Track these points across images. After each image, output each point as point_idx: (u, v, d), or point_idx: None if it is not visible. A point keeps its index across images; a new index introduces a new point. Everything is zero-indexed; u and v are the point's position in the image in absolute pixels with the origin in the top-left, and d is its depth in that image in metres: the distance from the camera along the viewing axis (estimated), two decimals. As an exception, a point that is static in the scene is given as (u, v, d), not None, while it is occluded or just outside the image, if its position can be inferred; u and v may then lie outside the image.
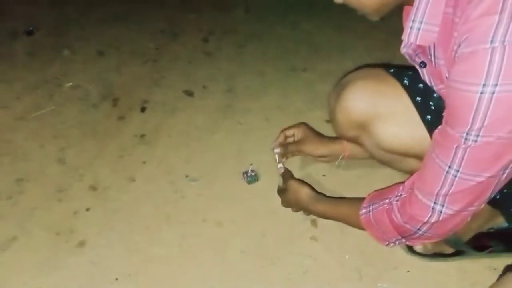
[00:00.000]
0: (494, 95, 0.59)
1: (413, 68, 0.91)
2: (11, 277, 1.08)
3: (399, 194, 0.85)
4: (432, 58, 0.78)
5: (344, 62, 1.81)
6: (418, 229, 0.82)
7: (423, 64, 0.84)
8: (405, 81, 0.95)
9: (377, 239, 0.94)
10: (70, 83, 1.72)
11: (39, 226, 1.20)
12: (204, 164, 1.39)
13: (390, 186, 0.95)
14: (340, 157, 1.26)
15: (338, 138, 1.24)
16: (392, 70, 0.98)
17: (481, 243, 1.05)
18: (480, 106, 0.60)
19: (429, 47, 0.77)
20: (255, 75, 1.78)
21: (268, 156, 1.33)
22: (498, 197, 0.83)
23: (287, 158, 1.32)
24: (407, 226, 0.83)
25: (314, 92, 1.67)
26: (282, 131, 1.31)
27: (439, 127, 0.73)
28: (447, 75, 0.73)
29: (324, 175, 1.33)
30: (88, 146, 1.46)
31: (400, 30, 0.81)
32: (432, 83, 0.90)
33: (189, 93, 1.70)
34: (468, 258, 1.06)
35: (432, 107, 0.92)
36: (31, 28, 2.06)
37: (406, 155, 1.00)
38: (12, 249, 1.15)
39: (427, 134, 0.92)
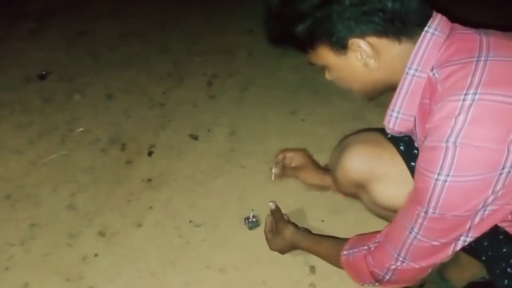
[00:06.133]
0: (446, 183, 0.71)
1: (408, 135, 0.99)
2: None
3: (376, 240, 0.95)
4: (416, 137, 0.87)
5: (343, 105, 1.89)
6: (385, 273, 0.91)
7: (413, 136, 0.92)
8: (401, 147, 1.04)
9: (354, 280, 1.03)
10: (81, 128, 1.80)
11: (50, 272, 1.26)
12: (207, 209, 1.45)
13: (370, 232, 1.03)
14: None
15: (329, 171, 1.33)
16: (389, 136, 1.06)
17: (474, 291, 1.10)
18: (435, 189, 0.72)
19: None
20: (257, 118, 1.86)
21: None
22: (484, 258, 0.90)
23: (281, 178, 1.39)
24: (376, 270, 0.92)
25: (314, 135, 1.74)
26: (282, 151, 1.39)
27: (410, 192, 0.82)
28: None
29: (322, 221, 1.39)
30: (97, 191, 1.53)
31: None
32: None
33: (194, 137, 1.78)
34: (462, 306, 1.11)
35: None
36: (44, 72, 2.17)
37: None
38: (25, 296, 1.21)
39: None
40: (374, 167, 1.03)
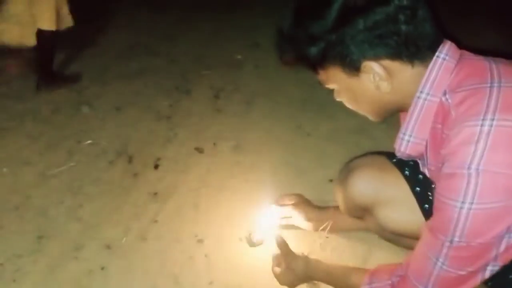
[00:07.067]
0: (471, 211, 0.70)
1: (414, 160, 1.00)
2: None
3: (399, 274, 0.92)
4: (425, 161, 0.88)
5: (348, 120, 1.90)
6: None
7: (421, 160, 0.93)
8: (406, 172, 1.05)
9: None
10: (89, 140, 1.83)
11: (57, 285, 1.28)
12: (211, 223, 1.46)
13: (391, 264, 1.01)
14: (325, 224, 1.35)
15: (326, 208, 1.36)
16: (395, 160, 1.07)
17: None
18: (460, 218, 0.72)
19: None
20: (263, 132, 1.88)
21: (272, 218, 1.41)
22: (489, 284, 0.90)
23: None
24: None
25: (319, 150, 1.76)
26: (282, 196, 1.41)
27: (429, 221, 0.81)
28: (436, 183, 0.82)
29: (327, 237, 1.39)
30: (104, 203, 1.55)
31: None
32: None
33: (200, 150, 1.80)
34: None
35: (430, 197, 1.01)
36: (54, 84, 2.21)
37: (405, 236, 1.08)
38: (32, 308, 1.23)
39: (424, 220, 1.01)
40: (379, 192, 1.05)
